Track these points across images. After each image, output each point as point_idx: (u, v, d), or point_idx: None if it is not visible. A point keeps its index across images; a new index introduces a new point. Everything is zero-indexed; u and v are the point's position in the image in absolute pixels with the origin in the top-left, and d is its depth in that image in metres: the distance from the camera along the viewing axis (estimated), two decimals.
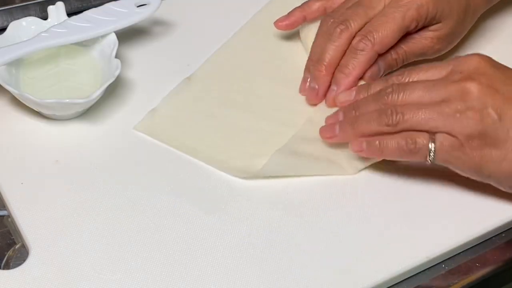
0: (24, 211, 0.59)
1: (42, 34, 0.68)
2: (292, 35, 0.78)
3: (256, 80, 0.73)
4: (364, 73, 0.68)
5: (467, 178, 0.61)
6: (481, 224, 0.61)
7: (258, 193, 0.62)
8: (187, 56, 0.75)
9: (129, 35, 0.76)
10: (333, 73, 0.69)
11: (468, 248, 0.61)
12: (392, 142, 0.60)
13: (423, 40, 0.71)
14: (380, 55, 0.69)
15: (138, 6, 0.72)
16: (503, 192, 0.61)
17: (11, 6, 0.76)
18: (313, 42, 0.71)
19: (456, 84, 0.59)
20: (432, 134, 0.59)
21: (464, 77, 0.59)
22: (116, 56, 0.68)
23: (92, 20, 0.69)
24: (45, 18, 0.71)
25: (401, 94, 0.60)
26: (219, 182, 0.63)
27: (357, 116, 0.62)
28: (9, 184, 0.61)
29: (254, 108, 0.70)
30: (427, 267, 0.60)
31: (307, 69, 0.71)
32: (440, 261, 0.60)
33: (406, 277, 0.59)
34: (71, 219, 0.59)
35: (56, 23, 0.70)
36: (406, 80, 0.62)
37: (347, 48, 0.68)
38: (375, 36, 0.67)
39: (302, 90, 0.71)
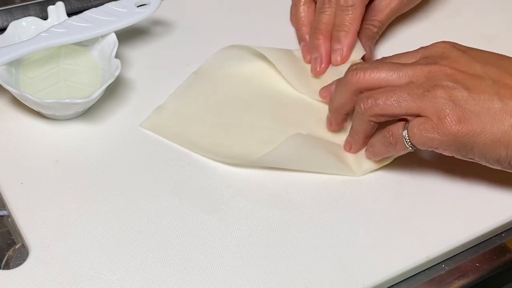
0: (24, 211, 0.59)
1: (42, 34, 0.68)
2: None
3: (264, 77, 0.72)
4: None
5: (468, 178, 0.61)
6: (481, 224, 0.61)
7: (258, 193, 0.62)
8: (187, 56, 0.75)
9: (129, 35, 0.76)
10: (330, 38, 0.70)
11: (468, 248, 0.61)
12: (376, 141, 0.62)
13: (391, 2, 0.73)
14: (361, 32, 0.71)
15: (138, 6, 0.72)
16: (503, 192, 0.61)
17: (11, 6, 0.76)
18: (294, 13, 0.75)
19: (423, 65, 0.60)
20: (406, 122, 0.59)
21: (431, 61, 0.60)
22: (116, 56, 0.68)
23: (92, 20, 0.69)
24: (45, 18, 0.71)
25: (368, 71, 0.61)
26: (219, 182, 0.63)
27: (337, 111, 0.65)
28: (9, 184, 0.61)
29: (261, 107, 0.70)
30: (427, 267, 0.60)
31: (302, 38, 0.73)
32: (440, 261, 0.60)
33: (406, 277, 0.59)
34: (71, 219, 0.59)
35: (56, 23, 0.70)
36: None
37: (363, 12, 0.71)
38: None
39: (306, 61, 0.72)
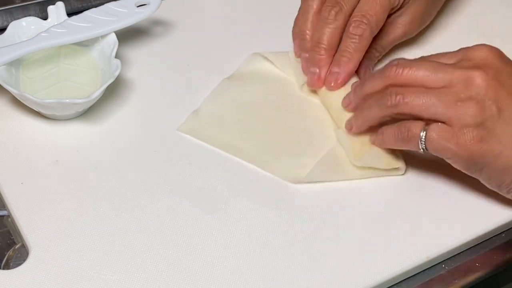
0: (24, 211, 0.59)
1: (42, 34, 0.68)
2: None
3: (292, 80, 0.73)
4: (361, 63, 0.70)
5: (468, 179, 0.61)
6: (481, 224, 0.61)
7: (258, 193, 0.62)
8: (187, 56, 0.75)
9: (129, 35, 0.76)
10: (333, 55, 0.69)
11: (468, 248, 0.61)
12: (389, 132, 0.61)
13: (395, 29, 0.73)
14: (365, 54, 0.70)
15: (138, 6, 0.72)
16: None
17: (11, 6, 0.76)
18: (296, 21, 0.72)
19: (463, 70, 0.58)
20: (427, 123, 0.59)
21: (472, 65, 0.59)
22: (116, 56, 0.68)
23: (92, 20, 0.69)
24: (45, 18, 0.71)
25: (407, 69, 0.60)
26: (219, 182, 0.63)
27: (363, 97, 0.63)
28: (9, 184, 0.61)
29: (295, 108, 0.70)
30: (427, 267, 0.60)
31: (303, 49, 0.71)
32: (440, 261, 0.60)
33: (406, 277, 0.59)
34: (71, 219, 0.59)
35: (56, 23, 0.70)
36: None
37: (343, 31, 0.69)
38: (370, 20, 0.68)
39: (305, 72, 0.71)
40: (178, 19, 0.79)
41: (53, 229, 0.58)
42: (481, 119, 0.57)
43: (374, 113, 0.62)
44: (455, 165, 0.60)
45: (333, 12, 0.69)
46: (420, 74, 0.59)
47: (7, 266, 0.58)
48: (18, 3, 0.76)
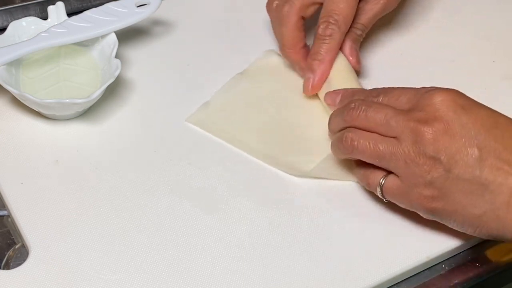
0: (24, 211, 0.59)
1: (42, 34, 0.68)
2: None
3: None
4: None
5: None
6: None
7: (258, 193, 0.62)
8: (187, 56, 0.75)
9: (129, 35, 0.76)
10: (300, 50, 0.70)
11: (468, 248, 0.61)
12: (359, 172, 0.61)
13: (374, 5, 0.72)
14: (346, 35, 0.70)
15: (138, 6, 0.72)
16: None
17: (11, 6, 0.76)
18: (272, 28, 0.73)
19: (413, 123, 0.56)
20: (388, 173, 0.58)
21: (423, 117, 0.56)
22: (116, 56, 0.68)
23: (92, 20, 0.69)
24: (45, 18, 0.71)
25: (363, 113, 0.59)
26: (219, 182, 0.63)
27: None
28: (9, 184, 0.61)
29: (305, 105, 0.70)
30: (427, 267, 0.60)
31: (296, 62, 0.72)
32: (440, 261, 0.60)
33: (406, 277, 0.59)
34: (71, 219, 0.59)
35: (56, 23, 0.70)
36: (375, 100, 0.61)
37: (300, 24, 0.70)
38: (337, 19, 0.68)
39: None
40: (178, 19, 0.79)
41: (53, 229, 0.58)
42: (430, 179, 0.55)
43: (338, 154, 0.62)
44: None
45: (284, 12, 0.70)
46: (372, 124, 0.58)
47: (7, 266, 0.58)
48: (18, 3, 0.76)
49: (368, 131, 0.59)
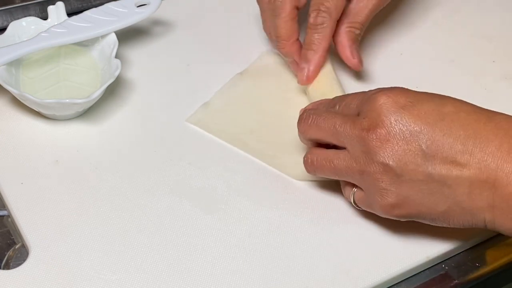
0: (24, 211, 0.59)
1: (42, 34, 0.68)
2: None
3: None
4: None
5: None
6: None
7: (258, 193, 0.62)
8: (187, 56, 0.75)
9: (129, 35, 0.76)
10: (295, 42, 0.70)
11: (469, 248, 0.61)
12: (343, 186, 0.61)
13: (369, 2, 0.71)
14: (344, 35, 0.70)
15: (138, 6, 0.72)
16: None
17: (11, 6, 0.76)
18: (262, 22, 0.72)
19: (358, 132, 0.56)
20: (354, 186, 0.59)
21: (366, 125, 0.55)
22: (116, 56, 0.68)
23: (92, 20, 0.69)
24: (45, 18, 0.71)
25: (313, 122, 0.59)
26: (219, 182, 0.63)
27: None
28: (9, 184, 0.61)
29: (305, 105, 0.70)
30: (427, 267, 0.60)
31: (288, 54, 0.71)
32: (440, 261, 0.60)
33: (406, 277, 0.59)
34: (71, 219, 0.59)
35: (56, 23, 0.70)
36: (332, 110, 0.60)
37: (294, 14, 0.69)
38: (328, 5, 0.68)
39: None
40: (178, 19, 0.79)
41: (53, 229, 0.58)
42: (385, 186, 0.55)
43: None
44: None
45: (278, 3, 0.69)
46: (325, 129, 0.58)
47: (7, 266, 0.58)
48: (18, 3, 0.76)
49: (325, 145, 0.59)
